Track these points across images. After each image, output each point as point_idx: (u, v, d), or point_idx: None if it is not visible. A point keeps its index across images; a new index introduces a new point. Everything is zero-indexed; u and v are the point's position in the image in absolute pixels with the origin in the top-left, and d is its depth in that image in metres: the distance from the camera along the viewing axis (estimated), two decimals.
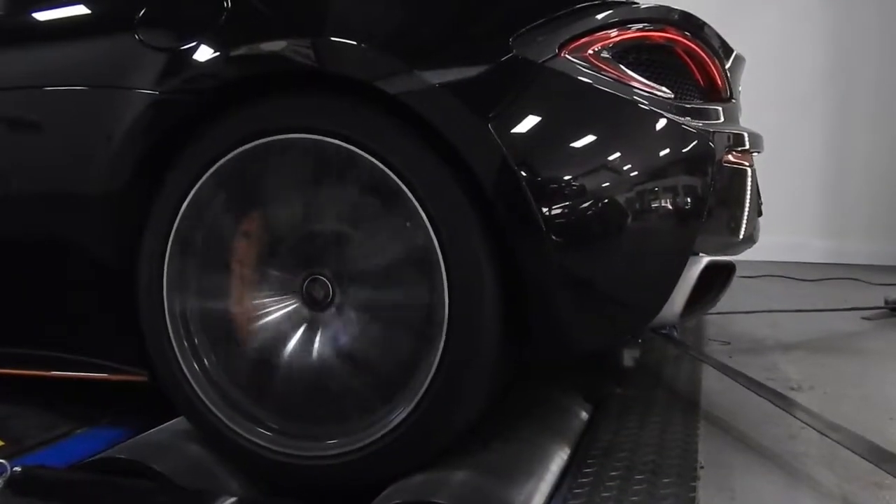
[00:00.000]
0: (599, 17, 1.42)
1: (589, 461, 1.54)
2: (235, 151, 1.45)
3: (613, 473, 1.48)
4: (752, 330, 2.91)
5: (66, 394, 1.89)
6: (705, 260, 1.47)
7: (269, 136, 1.43)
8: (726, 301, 1.94)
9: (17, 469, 1.46)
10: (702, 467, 1.54)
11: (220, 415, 1.50)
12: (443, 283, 1.33)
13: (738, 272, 1.72)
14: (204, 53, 1.49)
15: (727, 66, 1.60)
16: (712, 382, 2.14)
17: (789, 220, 4.76)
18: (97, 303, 1.65)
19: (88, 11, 1.72)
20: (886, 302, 3.23)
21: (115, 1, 1.70)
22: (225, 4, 1.51)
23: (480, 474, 1.41)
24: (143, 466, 1.49)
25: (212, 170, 1.47)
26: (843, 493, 1.48)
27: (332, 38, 1.41)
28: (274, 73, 1.45)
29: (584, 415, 1.83)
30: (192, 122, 1.50)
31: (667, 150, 1.40)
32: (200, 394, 1.51)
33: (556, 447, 1.59)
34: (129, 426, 1.78)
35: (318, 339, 1.46)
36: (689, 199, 1.40)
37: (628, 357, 2.19)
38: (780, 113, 4.82)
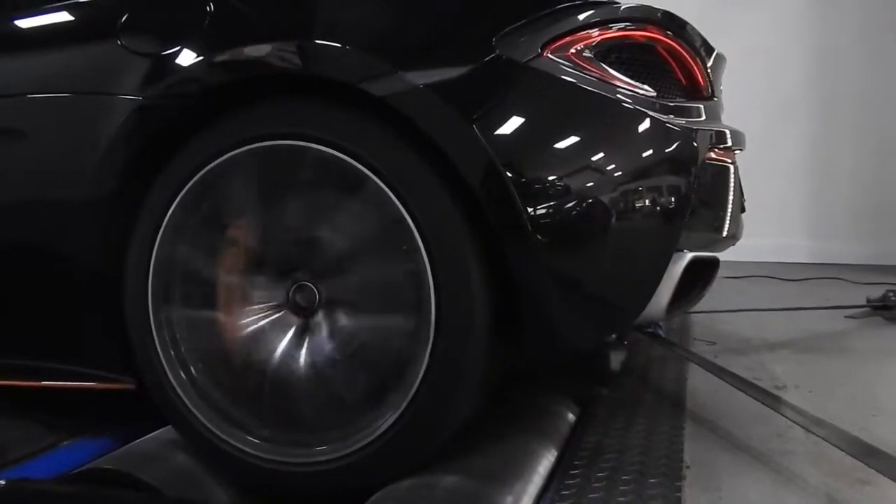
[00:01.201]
0: (581, 16, 1.43)
1: (576, 463, 1.54)
2: (221, 158, 1.45)
3: (600, 475, 1.48)
4: (737, 329, 2.93)
5: (51, 405, 1.87)
6: (689, 256, 1.48)
7: (255, 142, 1.43)
8: (712, 301, 1.96)
9: (2, 482, 1.45)
10: (688, 467, 1.55)
11: (207, 423, 1.49)
12: (429, 287, 1.33)
13: (724, 273, 1.73)
14: (187, 58, 1.48)
15: (709, 64, 1.62)
16: (698, 383, 2.15)
17: (775, 221, 4.81)
18: (84, 311, 1.63)
19: (71, 18, 1.71)
20: (868, 301, 3.27)
21: (97, 7, 1.70)
22: (208, 9, 1.51)
23: (468, 478, 1.40)
24: (130, 477, 1.47)
25: (197, 177, 1.47)
26: (828, 491, 1.48)
27: (317, 42, 1.41)
28: (258, 77, 1.45)
29: (571, 417, 1.83)
30: (178, 129, 1.49)
31: (651, 149, 1.41)
32: (188, 402, 1.50)
33: (544, 449, 1.59)
34: (116, 436, 1.76)
35: (305, 345, 1.46)
36: (673, 197, 1.41)
37: (615, 359, 2.20)
38: (766, 116, 4.87)
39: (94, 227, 1.57)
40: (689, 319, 3.03)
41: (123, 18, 1.58)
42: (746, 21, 5.05)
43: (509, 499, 1.37)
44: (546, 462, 1.55)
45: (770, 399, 1.84)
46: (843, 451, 1.53)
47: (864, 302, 3.28)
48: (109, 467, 1.50)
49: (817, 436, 1.61)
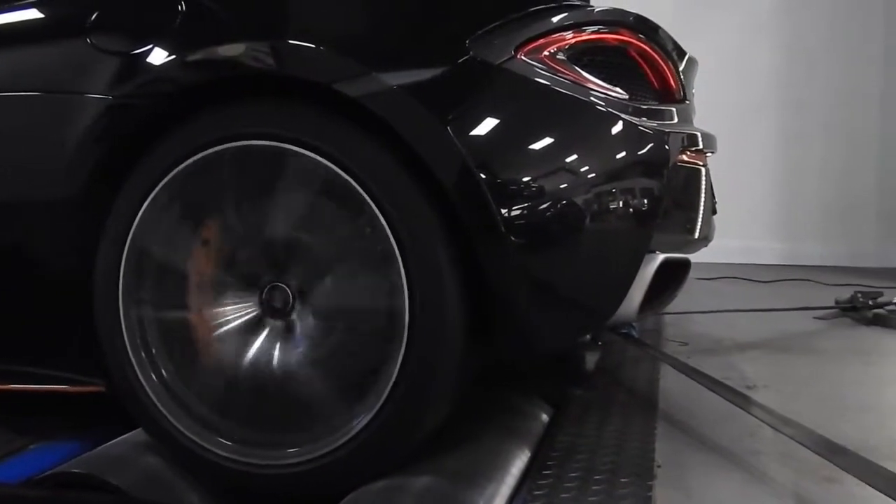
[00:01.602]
0: (555, 19, 1.44)
1: (549, 463, 1.55)
2: (193, 158, 1.44)
3: (573, 475, 1.49)
4: (709, 330, 2.96)
5: (19, 407, 1.84)
6: (661, 257, 1.49)
7: (227, 142, 1.42)
8: (684, 302, 1.97)
9: None
10: (659, 466, 1.56)
11: (178, 425, 1.47)
12: (403, 288, 1.33)
13: (696, 274, 1.75)
14: (158, 57, 1.47)
15: (681, 67, 1.63)
16: (670, 383, 2.17)
17: (746, 223, 4.87)
18: (54, 312, 1.61)
19: (40, 15, 1.69)
20: (837, 302, 3.32)
21: (66, 5, 1.67)
22: (179, 8, 1.49)
23: (442, 479, 1.40)
24: (99, 480, 1.45)
25: (168, 177, 1.45)
26: (796, 489, 1.51)
27: (291, 42, 1.40)
28: (231, 77, 1.44)
29: (545, 417, 1.84)
30: (149, 128, 1.48)
31: (623, 151, 1.42)
32: (158, 404, 1.48)
33: (517, 450, 1.60)
34: (86, 439, 1.74)
35: (278, 346, 1.45)
36: (645, 199, 1.42)
37: (588, 359, 2.21)
38: (737, 118, 4.93)
39: (64, 227, 1.55)
40: (661, 320, 3.06)
41: (93, 16, 1.56)
42: (716, 22, 5.10)
43: (482, 500, 1.37)
44: (519, 462, 1.56)
45: (740, 399, 1.86)
46: (810, 449, 1.56)
47: (832, 303, 3.34)
48: (78, 470, 1.48)
49: (786, 435, 1.63)
